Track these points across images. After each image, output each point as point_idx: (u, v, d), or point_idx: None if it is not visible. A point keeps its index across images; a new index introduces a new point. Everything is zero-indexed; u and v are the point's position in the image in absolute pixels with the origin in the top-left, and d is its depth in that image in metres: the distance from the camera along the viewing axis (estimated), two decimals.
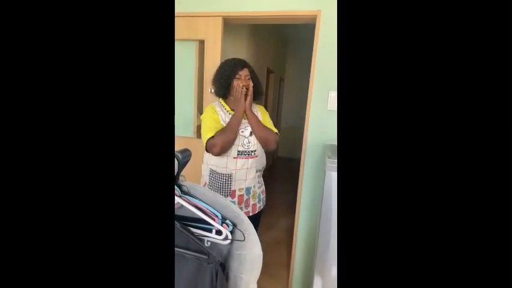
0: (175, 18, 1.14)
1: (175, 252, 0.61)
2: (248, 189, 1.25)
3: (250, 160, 1.21)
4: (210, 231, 0.68)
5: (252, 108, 1.27)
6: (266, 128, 1.22)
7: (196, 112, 1.82)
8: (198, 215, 0.67)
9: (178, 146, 0.66)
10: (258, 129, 1.19)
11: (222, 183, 1.20)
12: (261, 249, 0.68)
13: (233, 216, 0.72)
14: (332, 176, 1.18)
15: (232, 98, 1.22)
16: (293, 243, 1.74)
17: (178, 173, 0.69)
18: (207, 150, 1.17)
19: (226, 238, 0.67)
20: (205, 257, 0.62)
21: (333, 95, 1.51)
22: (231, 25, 1.88)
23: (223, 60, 1.26)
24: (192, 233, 0.66)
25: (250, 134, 1.20)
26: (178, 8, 1.59)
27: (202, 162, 1.28)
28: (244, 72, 1.19)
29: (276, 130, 1.27)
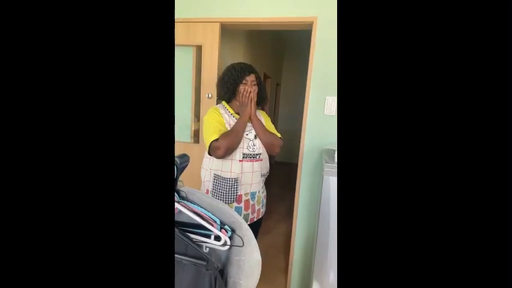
0: None
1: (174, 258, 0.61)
2: (253, 194, 1.24)
3: (256, 163, 1.21)
4: (209, 237, 0.68)
5: (257, 113, 1.27)
6: (271, 133, 1.24)
7: (193, 117, 1.82)
8: (196, 221, 0.67)
9: (175, 151, 0.66)
10: (263, 134, 1.21)
11: (227, 188, 1.18)
12: (259, 255, 0.68)
13: (232, 221, 0.72)
14: (330, 181, 1.18)
15: (237, 103, 1.23)
16: (291, 248, 1.73)
17: (176, 178, 0.69)
18: (210, 152, 1.15)
19: (225, 244, 0.66)
20: (204, 263, 0.61)
21: (330, 100, 1.52)
22: (229, 31, 1.89)
23: (229, 64, 1.26)
24: (191, 239, 0.65)
25: (255, 137, 1.20)
26: (176, 14, 1.60)
27: (202, 167, 1.26)
28: (251, 78, 1.20)
29: (279, 135, 1.28)
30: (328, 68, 1.50)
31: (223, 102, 1.27)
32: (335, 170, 1.18)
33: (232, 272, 0.69)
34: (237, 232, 0.70)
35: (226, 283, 0.68)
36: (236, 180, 1.18)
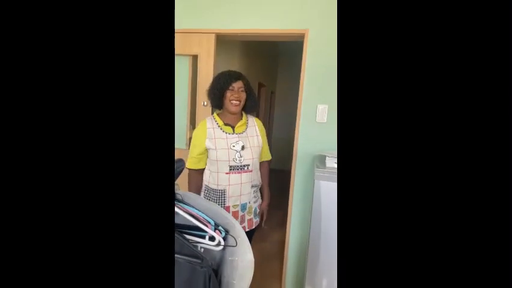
0: None
1: None
2: (243, 205, 1.23)
3: (244, 175, 1.19)
4: (203, 237, 0.71)
5: (250, 120, 1.28)
6: (268, 175, 1.38)
7: (188, 124, 1.85)
8: (191, 222, 0.69)
9: None
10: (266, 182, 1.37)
11: (215, 199, 1.19)
12: (252, 255, 0.70)
13: (225, 222, 0.75)
14: (321, 185, 1.22)
15: (225, 110, 1.23)
16: (284, 255, 1.74)
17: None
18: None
19: (219, 244, 0.69)
20: (199, 261, 0.63)
21: (321, 108, 1.57)
22: (224, 41, 1.95)
23: (219, 72, 1.26)
24: (186, 239, 0.68)
25: (242, 148, 1.18)
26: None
27: None
28: (238, 84, 1.18)
29: (269, 156, 1.36)
30: (319, 78, 1.56)
31: (214, 114, 1.26)
32: (326, 175, 1.22)
33: (226, 272, 0.71)
34: (231, 233, 0.72)
35: (220, 283, 0.70)
36: (223, 192, 1.18)
